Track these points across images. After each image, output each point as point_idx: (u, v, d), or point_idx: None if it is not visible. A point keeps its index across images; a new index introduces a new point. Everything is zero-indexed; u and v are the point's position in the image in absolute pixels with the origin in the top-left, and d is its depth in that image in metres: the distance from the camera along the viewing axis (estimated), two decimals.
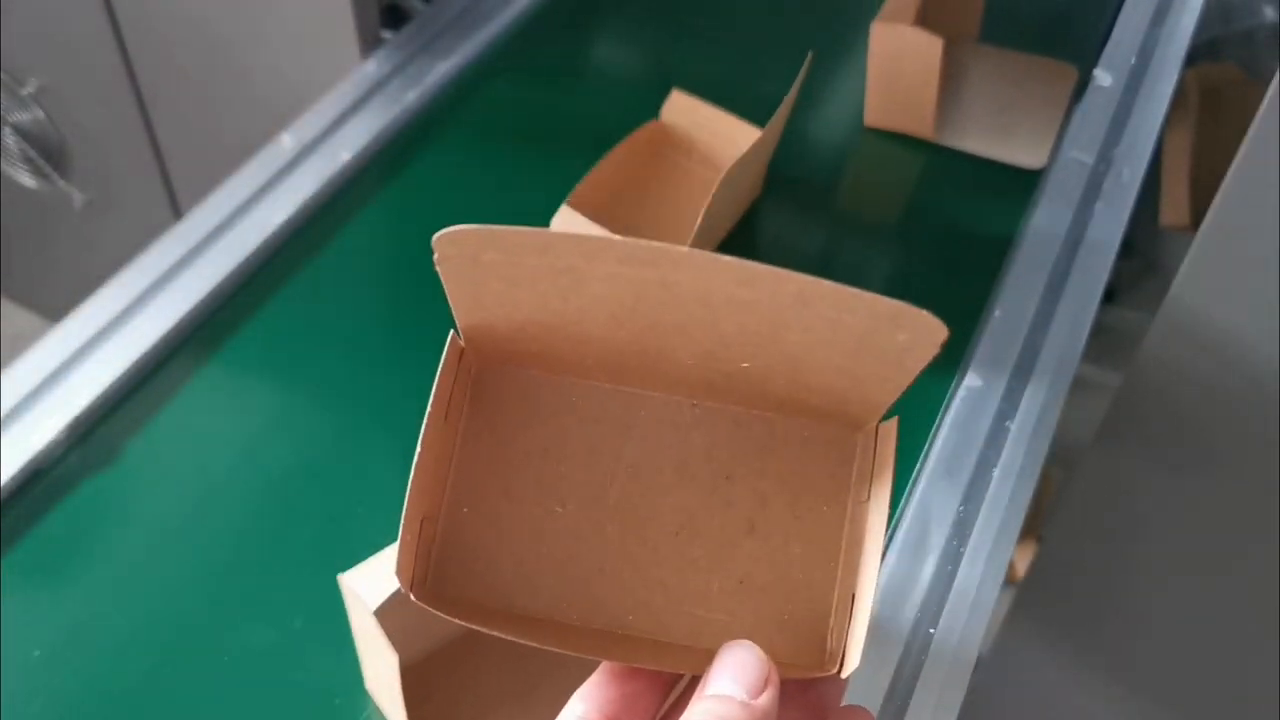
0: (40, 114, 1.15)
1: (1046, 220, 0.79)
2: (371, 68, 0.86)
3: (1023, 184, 0.81)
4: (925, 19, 0.81)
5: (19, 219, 1.32)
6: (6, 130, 1.20)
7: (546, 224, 0.69)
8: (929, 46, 0.77)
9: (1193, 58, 1.02)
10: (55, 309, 1.49)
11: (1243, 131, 0.62)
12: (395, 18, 1.05)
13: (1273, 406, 0.72)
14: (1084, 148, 0.84)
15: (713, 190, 0.64)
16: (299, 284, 0.72)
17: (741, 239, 0.75)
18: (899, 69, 0.80)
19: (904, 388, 0.35)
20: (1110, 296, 0.86)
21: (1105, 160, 0.84)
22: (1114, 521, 0.87)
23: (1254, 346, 0.71)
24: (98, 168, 1.18)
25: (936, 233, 0.79)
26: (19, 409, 0.64)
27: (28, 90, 1.13)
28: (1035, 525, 1.09)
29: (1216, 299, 0.70)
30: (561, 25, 0.93)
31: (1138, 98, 0.89)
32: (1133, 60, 0.92)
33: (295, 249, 0.74)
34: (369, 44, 0.88)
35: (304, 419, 0.65)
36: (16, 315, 1.70)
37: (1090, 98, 0.89)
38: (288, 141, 0.80)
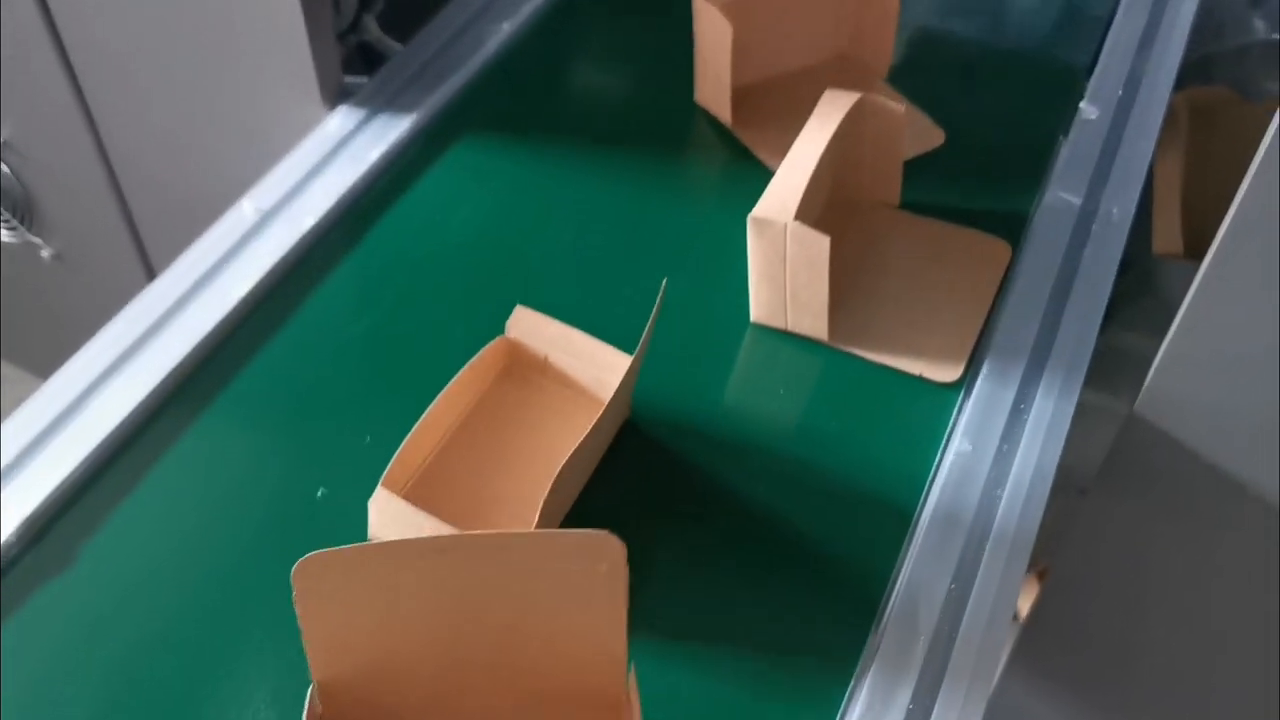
0: (4, 168, 1.13)
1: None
2: (335, 124, 0.84)
3: (946, 402, 0.69)
4: (828, 193, 0.76)
5: None
6: None
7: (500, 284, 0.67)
8: (815, 244, 0.66)
9: (1182, 79, 0.99)
10: (26, 358, 1.46)
11: (1237, 155, 0.59)
12: (368, 59, 1.03)
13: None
14: (1071, 188, 0.82)
15: (557, 468, 0.56)
16: (264, 358, 0.70)
17: (610, 471, 0.65)
18: (783, 269, 0.69)
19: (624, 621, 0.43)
20: (1107, 316, 0.83)
21: (1093, 200, 0.81)
22: (1119, 563, 0.85)
23: (1256, 387, 0.69)
24: (65, 220, 1.15)
25: (839, 446, 0.67)
26: None
27: None
28: (1037, 557, 1.06)
29: (1220, 339, 0.68)
30: (512, 83, 0.90)
31: (1126, 130, 0.87)
32: (1120, 91, 0.89)
33: (259, 321, 0.72)
34: (333, 94, 0.85)
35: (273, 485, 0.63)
36: None
37: (1077, 132, 0.86)
38: (248, 208, 0.77)
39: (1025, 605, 1.06)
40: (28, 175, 1.13)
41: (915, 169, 0.80)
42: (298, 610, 0.46)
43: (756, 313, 0.72)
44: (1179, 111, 1.06)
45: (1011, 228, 0.78)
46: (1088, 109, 0.88)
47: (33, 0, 0.93)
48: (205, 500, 0.62)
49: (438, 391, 0.61)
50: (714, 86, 0.84)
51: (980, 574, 0.61)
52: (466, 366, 0.63)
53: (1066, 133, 0.86)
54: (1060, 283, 0.76)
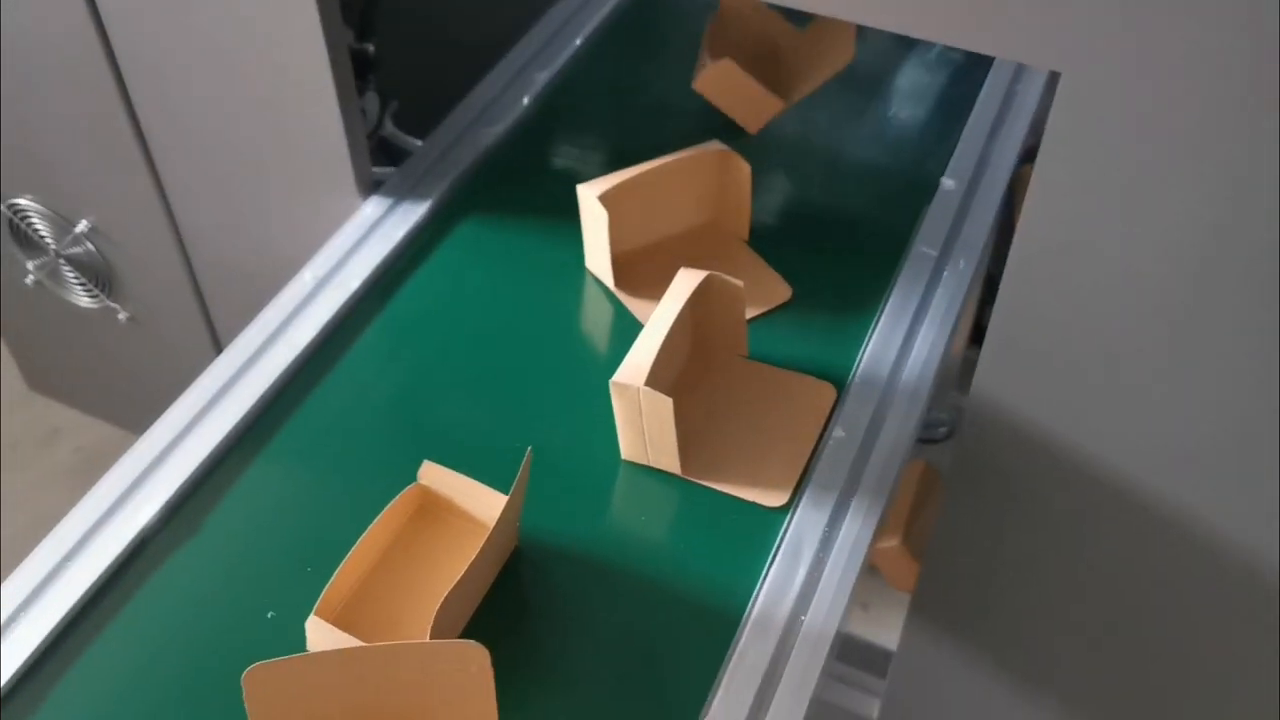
0: (90, 246, 1.38)
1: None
2: (368, 210, 1.09)
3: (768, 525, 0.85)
4: (688, 350, 0.92)
5: (69, 330, 1.55)
6: (61, 262, 1.43)
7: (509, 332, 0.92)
8: (662, 404, 0.82)
9: (1030, 157, 1.24)
10: (104, 410, 1.71)
11: None
12: (388, 152, 1.29)
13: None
14: (930, 243, 1.08)
15: (451, 585, 0.71)
16: (319, 399, 0.95)
17: (500, 592, 0.81)
18: (641, 421, 0.85)
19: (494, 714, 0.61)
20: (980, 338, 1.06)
21: (947, 253, 1.07)
22: (982, 543, 1.09)
23: (1063, 380, 0.93)
24: (140, 288, 1.41)
25: (686, 561, 0.83)
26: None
27: (80, 229, 1.36)
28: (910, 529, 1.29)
29: (1028, 338, 0.92)
30: (513, 169, 1.17)
31: (975, 199, 1.13)
32: (972, 168, 1.15)
33: (315, 366, 0.97)
34: (365, 187, 1.11)
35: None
36: (58, 411, 1.93)
37: (938, 200, 1.12)
38: (308, 276, 1.03)
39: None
40: (110, 252, 1.38)
41: (766, 321, 0.98)
42: (248, 708, 0.64)
43: (625, 452, 0.88)
44: (1026, 184, 1.32)
45: (838, 374, 0.95)
46: (947, 181, 1.13)
47: (127, 119, 1.19)
48: (180, 620, 0.79)
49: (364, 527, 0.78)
50: (598, 258, 1.02)
51: (788, 664, 0.77)
52: (385, 509, 0.78)
53: (929, 201, 1.12)
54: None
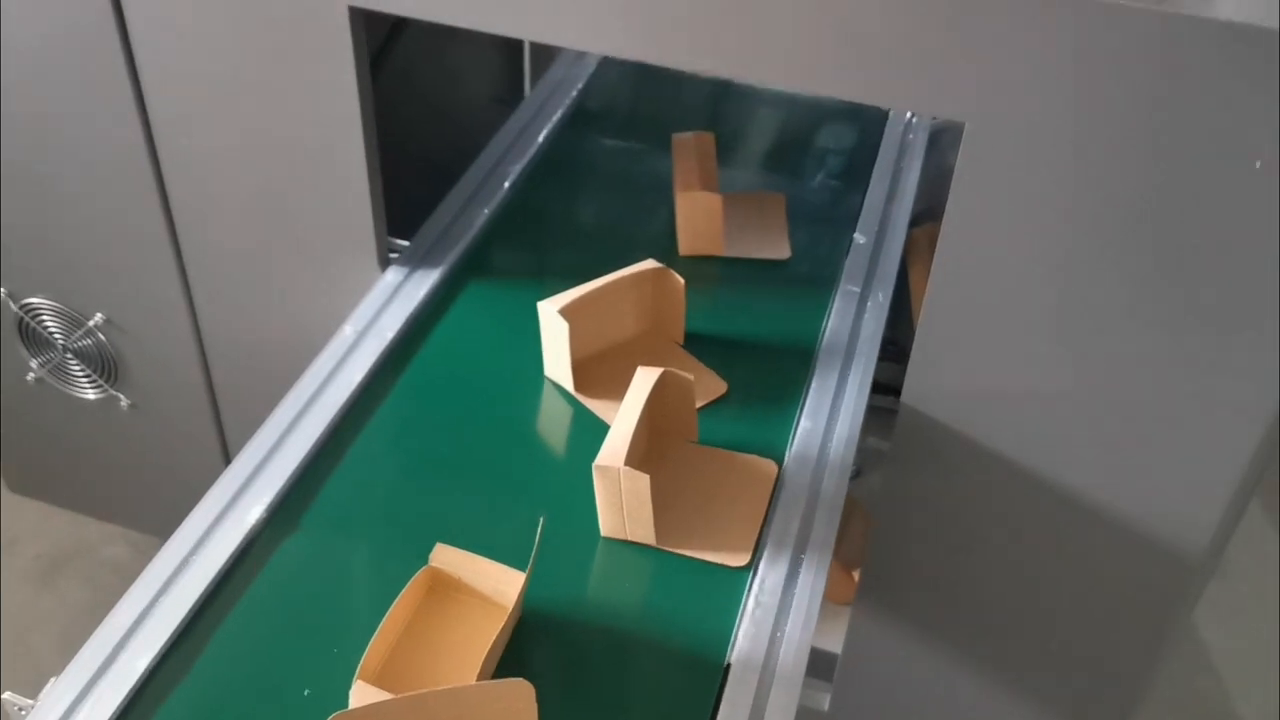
0: (101, 338, 1.52)
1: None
2: (390, 277, 1.29)
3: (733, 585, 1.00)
4: (648, 438, 1.06)
5: (65, 424, 1.66)
6: (68, 356, 1.56)
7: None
8: (640, 480, 0.96)
9: (920, 219, 1.53)
10: (91, 504, 1.80)
11: None
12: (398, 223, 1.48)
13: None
14: (852, 282, 1.33)
15: (484, 652, 0.85)
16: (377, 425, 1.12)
17: (511, 657, 0.92)
18: (620, 499, 0.99)
19: None
20: (898, 392, 1.31)
21: (867, 289, 1.33)
22: (921, 521, 1.32)
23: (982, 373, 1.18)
24: (148, 376, 1.55)
25: (668, 617, 0.97)
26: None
27: (93, 322, 1.51)
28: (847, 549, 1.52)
29: (950, 338, 1.17)
30: (509, 244, 1.38)
31: (882, 249, 1.40)
32: (876, 226, 1.43)
33: (368, 398, 1.15)
34: (384, 260, 1.31)
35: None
36: (43, 512, 2.00)
37: (854, 252, 1.38)
38: (349, 330, 1.21)
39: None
40: (120, 341, 1.53)
41: (707, 412, 1.14)
42: None
43: (604, 529, 1.01)
44: (921, 241, 1.61)
45: (776, 451, 1.12)
46: (859, 237, 1.40)
47: (162, 214, 1.36)
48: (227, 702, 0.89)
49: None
50: (558, 365, 1.16)
51: (770, 696, 0.93)
52: (403, 591, 0.89)
53: (847, 252, 1.38)
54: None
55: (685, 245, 1.37)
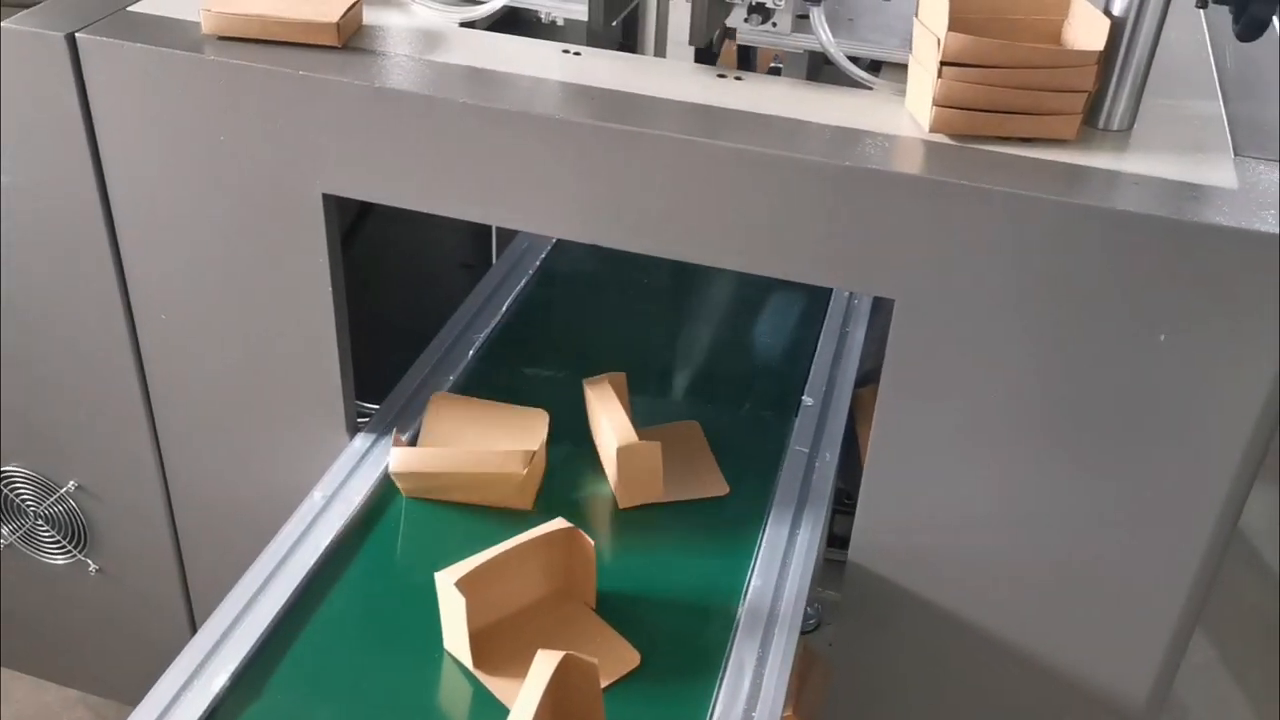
0: (73, 504, 1.55)
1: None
2: (358, 444, 1.34)
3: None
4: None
5: (30, 590, 1.67)
6: (39, 523, 1.59)
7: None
8: None
9: (866, 379, 1.61)
10: (51, 669, 1.80)
11: None
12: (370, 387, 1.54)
13: None
14: (802, 443, 1.40)
15: None
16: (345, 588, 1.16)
17: None
18: None
19: None
20: (845, 542, 1.35)
21: (815, 449, 1.39)
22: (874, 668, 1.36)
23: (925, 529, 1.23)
24: (118, 541, 1.57)
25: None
26: None
27: (66, 489, 1.54)
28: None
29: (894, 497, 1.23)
30: None
31: (830, 409, 1.47)
32: (824, 388, 1.50)
33: (335, 564, 1.18)
34: (353, 428, 1.36)
35: None
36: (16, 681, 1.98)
37: (803, 413, 1.45)
38: (318, 495, 1.26)
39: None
40: (91, 507, 1.56)
41: (619, 688, 1.07)
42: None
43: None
44: (868, 398, 1.69)
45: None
46: (807, 399, 1.47)
47: (139, 386, 1.42)
48: None
49: None
50: (456, 640, 1.08)
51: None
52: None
53: (796, 414, 1.45)
54: (800, 504, 1.29)
55: (625, 497, 1.28)
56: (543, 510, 1.24)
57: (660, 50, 1.37)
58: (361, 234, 1.73)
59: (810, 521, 1.28)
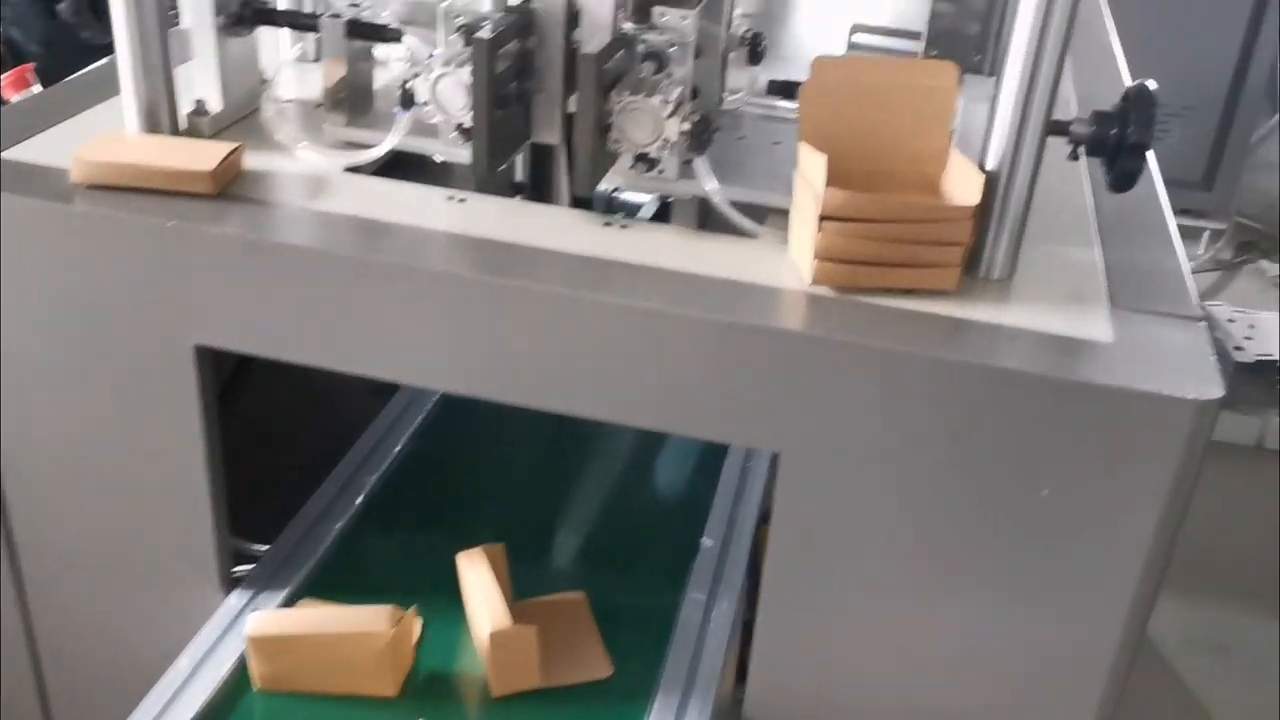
0: None
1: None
2: (234, 600, 1.28)
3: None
4: None
5: None
6: None
7: None
8: None
9: (766, 519, 1.58)
10: None
11: None
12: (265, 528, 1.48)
13: None
14: (699, 589, 1.36)
15: None
16: None
17: None
18: None
19: None
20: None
21: (712, 597, 1.36)
22: None
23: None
24: None
25: None
26: None
27: None
28: None
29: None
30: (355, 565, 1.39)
31: (730, 550, 1.44)
32: (724, 528, 1.47)
33: None
34: (227, 585, 1.30)
35: None
36: None
37: (701, 556, 1.42)
38: (184, 662, 1.19)
39: None
40: None
41: None
42: None
43: None
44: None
45: None
46: (706, 541, 1.44)
47: (1, 538, 1.35)
48: None
49: None
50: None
51: None
52: None
53: (695, 557, 1.41)
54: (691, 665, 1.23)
55: (498, 685, 1.21)
56: (410, 696, 1.18)
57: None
58: (258, 366, 1.68)
59: (697, 707, 1.20)
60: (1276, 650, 2.39)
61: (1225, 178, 3.57)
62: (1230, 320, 3.03)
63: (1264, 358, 2.91)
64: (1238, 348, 2.94)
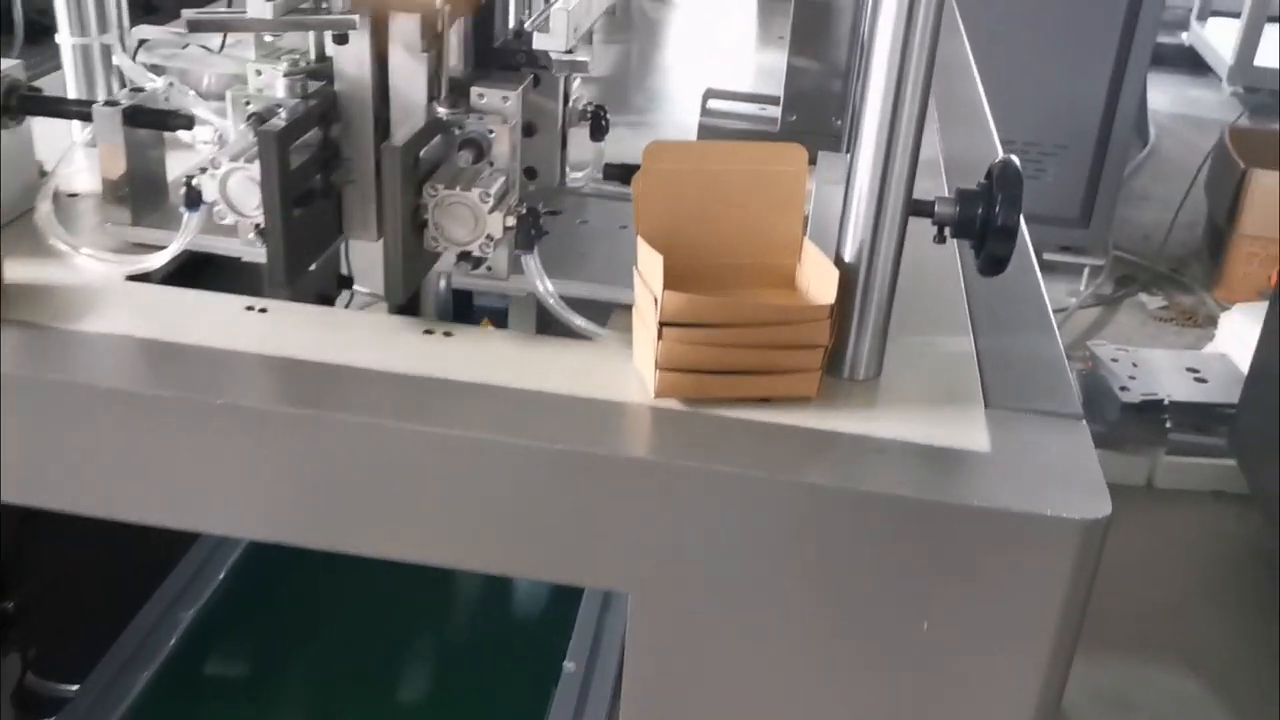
0: None
1: None
2: None
3: None
4: None
5: None
6: None
7: None
8: None
9: None
10: None
11: None
12: (35, 703, 1.30)
13: None
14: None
15: None
16: None
17: None
18: None
19: None
20: None
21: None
22: None
23: None
24: None
25: None
26: None
27: None
28: None
29: None
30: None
31: (595, 673, 1.30)
32: (588, 649, 1.34)
33: None
34: None
35: None
36: None
37: (564, 682, 1.28)
38: None
39: None
40: None
41: None
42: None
43: None
44: None
45: None
46: (568, 665, 1.31)
47: None
48: None
49: None
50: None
51: None
52: None
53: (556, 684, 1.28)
54: None
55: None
56: None
57: None
58: None
59: None
60: (1180, 702, 2.35)
61: (1101, 213, 3.58)
62: (1114, 360, 3.00)
63: (1149, 397, 2.89)
64: (1123, 388, 2.91)
